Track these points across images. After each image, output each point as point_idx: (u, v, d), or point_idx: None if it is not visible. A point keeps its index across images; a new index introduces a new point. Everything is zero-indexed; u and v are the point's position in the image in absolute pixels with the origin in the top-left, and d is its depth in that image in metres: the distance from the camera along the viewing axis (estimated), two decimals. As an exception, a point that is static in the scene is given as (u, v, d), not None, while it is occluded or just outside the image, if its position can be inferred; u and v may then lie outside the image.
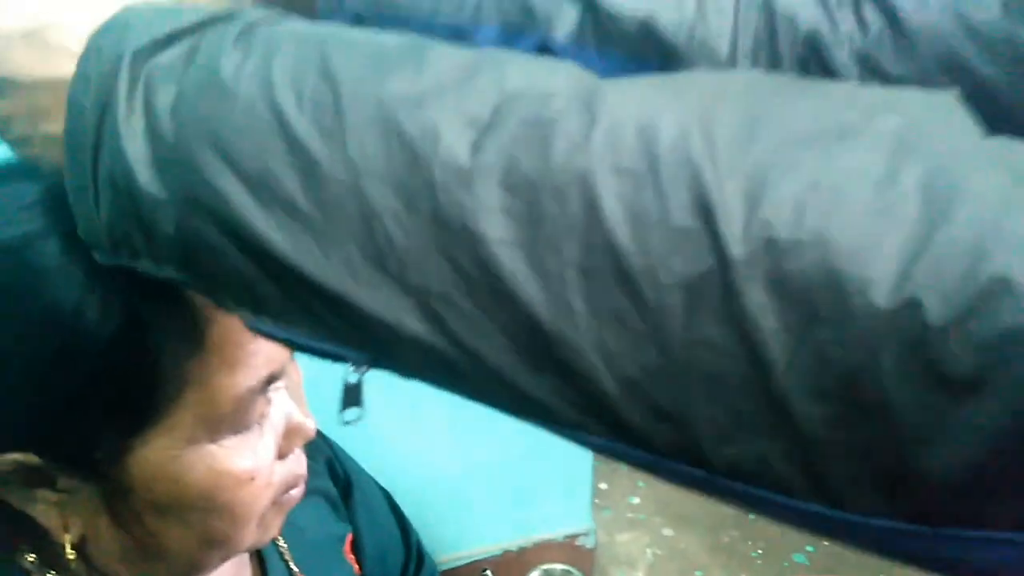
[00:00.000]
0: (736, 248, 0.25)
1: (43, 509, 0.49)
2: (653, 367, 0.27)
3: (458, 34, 0.50)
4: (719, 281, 0.26)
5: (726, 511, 1.93)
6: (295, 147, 0.30)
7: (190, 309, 0.46)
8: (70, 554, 0.50)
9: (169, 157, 0.32)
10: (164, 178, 0.32)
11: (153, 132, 0.32)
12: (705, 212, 0.26)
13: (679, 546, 1.83)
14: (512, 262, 0.28)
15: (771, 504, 0.27)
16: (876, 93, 0.29)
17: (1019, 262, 0.23)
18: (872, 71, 0.49)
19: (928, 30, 0.50)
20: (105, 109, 0.33)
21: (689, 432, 0.27)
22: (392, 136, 0.29)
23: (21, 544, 0.53)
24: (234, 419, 0.49)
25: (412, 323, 0.30)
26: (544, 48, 0.51)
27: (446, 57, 0.31)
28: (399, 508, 0.88)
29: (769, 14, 0.53)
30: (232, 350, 0.48)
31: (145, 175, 0.32)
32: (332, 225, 0.30)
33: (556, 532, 1.63)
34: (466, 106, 0.29)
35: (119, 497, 0.49)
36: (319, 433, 0.60)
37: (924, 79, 0.49)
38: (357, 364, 0.33)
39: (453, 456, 1.47)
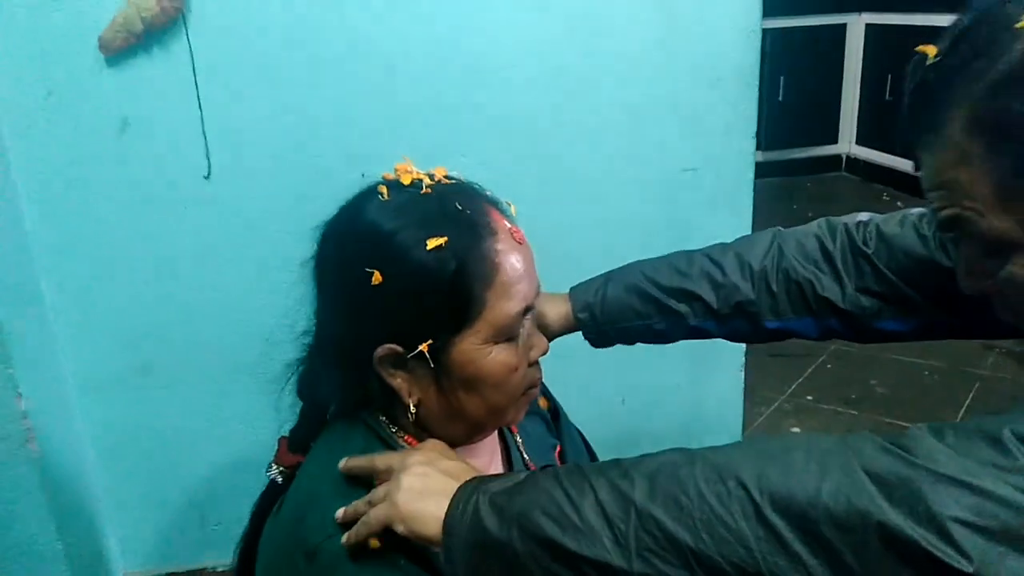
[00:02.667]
0: (774, 518, 0.56)
1: (399, 382, 0.76)
2: None
3: (648, 328, 0.95)
4: (776, 540, 0.55)
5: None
6: (577, 511, 0.61)
7: (488, 263, 0.75)
8: (412, 410, 0.76)
9: (508, 516, 0.62)
10: (504, 527, 0.62)
11: (500, 511, 0.63)
12: (757, 512, 0.56)
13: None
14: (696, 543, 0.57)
15: None
16: (812, 439, 0.60)
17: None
18: (865, 290, 0.86)
19: (899, 271, 0.85)
20: (466, 507, 0.64)
21: None
22: (631, 505, 0.60)
23: (377, 408, 0.81)
24: (508, 330, 0.75)
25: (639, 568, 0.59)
26: (678, 322, 0.94)
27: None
28: (588, 442, 1.09)
29: (798, 286, 0.89)
30: (508, 288, 0.75)
31: (498, 529, 0.62)
32: (595, 530, 0.60)
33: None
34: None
35: (443, 376, 0.75)
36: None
37: (892, 288, 0.85)
38: None
39: (626, 428, 1.73)
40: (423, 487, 0.68)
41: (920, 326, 0.87)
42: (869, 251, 0.86)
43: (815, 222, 0.93)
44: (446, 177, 0.81)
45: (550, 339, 0.93)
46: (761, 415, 2.43)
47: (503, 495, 0.64)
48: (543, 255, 0.80)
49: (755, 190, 1.62)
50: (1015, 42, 0.54)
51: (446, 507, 0.65)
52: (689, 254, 0.95)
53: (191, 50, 1.25)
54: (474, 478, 0.68)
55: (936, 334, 0.88)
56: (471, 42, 1.38)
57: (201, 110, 1.28)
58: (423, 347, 0.74)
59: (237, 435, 1.54)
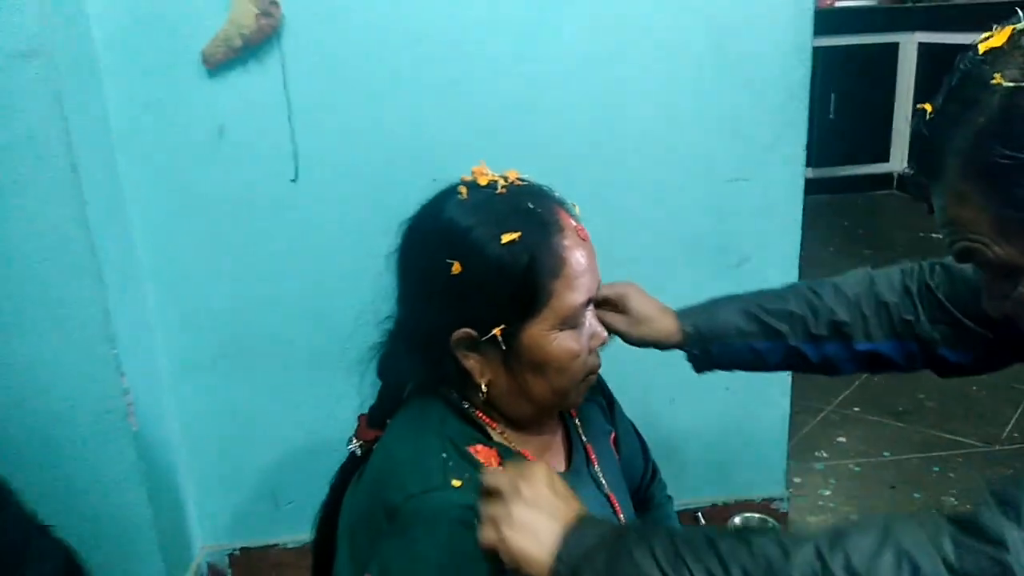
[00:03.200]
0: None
1: (472, 364, 0.82)
2: None
3: (750, 348, 1.00)
4: None
5: (912, 503, 2.02)
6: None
7: (556, 257, 0.81)
8: (483, 390, 0.82)
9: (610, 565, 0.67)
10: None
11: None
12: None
13: (865, 531, 1.93)
14: None
15: None
16: (897, 535, 0.62)
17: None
18: (933, 320, 0.93)
19: (956, 299, 0.91)
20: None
21: None
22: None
23: (451, 387, 0.87)
24: (573, 319, 0.81)
25: None
26: (777, 343, 1.00)
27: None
28: (640, 433, 1.15)
29: (887, 308, 0.95)
30: (573, 280, 0.81)
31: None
32: None
33: (755, 495, 1.83)
34: None
35: (512, 359, 0.81)
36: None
37: (951, 318, 0.91)
38: None
39: (675, 427, 1.77)
40: (526, 524, 0.70)
41: (978, 358, 0.93)
42: (934, 284, 0.94)
43: (902, 264, 1.01)
44: (518, 179, 0.87)
45: (646, 345, 1.01)
46: (808, 424, 2.44)
47: (604, 571, 0.67)
48: (599, 254, 0.86)
49: (806, 207, 1.64)
50: (992, 97, 0.61)
51: (549, 559, 0.69)
52: (793, 284, 1.04)
53: (283, 64, 1.34)
54: (572, 528, 0.71)
55: (996, 364, 0.94)
56: (535, 57, 1.45)
57: (290, 119, 1.38)
58: (496, 331, 0.80)
59: (312, 421, 1.63)
